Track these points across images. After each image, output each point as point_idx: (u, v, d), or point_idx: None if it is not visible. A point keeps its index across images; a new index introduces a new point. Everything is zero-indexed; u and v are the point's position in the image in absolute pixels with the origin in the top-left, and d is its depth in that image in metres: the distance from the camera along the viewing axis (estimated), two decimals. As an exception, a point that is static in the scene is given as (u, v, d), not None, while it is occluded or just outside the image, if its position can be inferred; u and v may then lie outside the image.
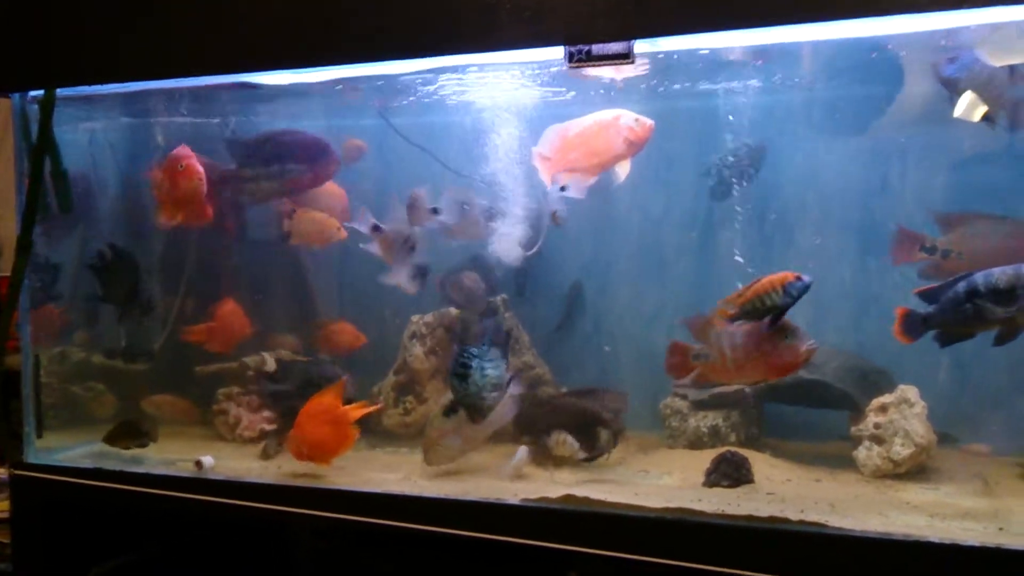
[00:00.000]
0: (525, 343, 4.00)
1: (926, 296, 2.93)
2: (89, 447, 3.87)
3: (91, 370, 4.36)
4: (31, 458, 3.71)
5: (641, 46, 2.86)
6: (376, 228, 3.58)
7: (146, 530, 3.82)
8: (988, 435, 3.40)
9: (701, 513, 2.86)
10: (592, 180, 3.43)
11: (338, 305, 4.44)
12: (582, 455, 3.48)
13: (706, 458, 3.31)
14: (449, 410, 3.43)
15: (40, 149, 3.61)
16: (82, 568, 3.72)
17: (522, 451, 3.44)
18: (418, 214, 3.67)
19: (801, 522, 2.74)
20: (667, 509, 2.88)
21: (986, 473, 3.20)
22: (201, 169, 3.68)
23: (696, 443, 3.65)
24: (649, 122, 3.34)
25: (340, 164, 3.91)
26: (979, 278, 2.81)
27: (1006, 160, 3.39)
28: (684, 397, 3.73)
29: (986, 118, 3.03)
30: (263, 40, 3.08)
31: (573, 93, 3.65)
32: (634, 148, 3.36)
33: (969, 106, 3.03)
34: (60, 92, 3.57)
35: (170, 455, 3.75)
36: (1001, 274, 2.78)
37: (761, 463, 3.35)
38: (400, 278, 3.62)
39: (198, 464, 3.52)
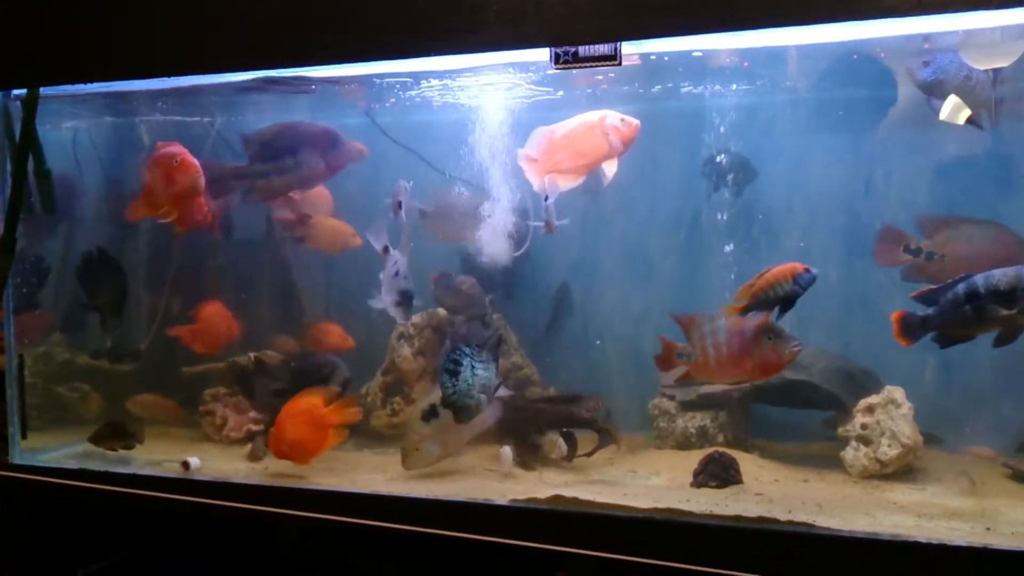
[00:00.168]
0: (513, 344, 4.00)
1: (924, 298, 2.94)
2: (74, 448, 3.85)
3: (76, 370, 4.33)
4: (15, 459, 3.68)
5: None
6: (387, 249, 3.52)
7: (132, 531, 3.80)
8: (973, 435, 3.42)
9: (689, 513, 2.87)
10: (579, 181, 3.43)
11: (325, 306, 4.43)
12: (563, 451, 3.52)
13: (694, 459, 3.31)
14: (428, 415, 3.42)
15: (23, 148, 3.58)
16: (68, 569, 3.70)
17: (507, 451, 3.45)
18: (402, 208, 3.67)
19: (789, 522, 2.75)
20: (655, 509, 2.89)
21: (973, 473, 3.21)
22: (197, 163, 3.61)
23: (684, 444, 3.66)
24: (635, 122, 3.34)
25: (358, 153, 3.83)
26: (979, 280, 2.82)
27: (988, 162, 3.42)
28: (672, 398, 3.74)
29: (971, 121, 3.05)
30: (251, 40, 3.06)
31: (561, 93, 3.66)
32: (621, 148, 3.36)
33: (954, 109, 3.04)
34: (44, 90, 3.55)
35: (156, 456, 3.73)
36: (1002, 276, 2.79)
37: (749, 464, 3.36)
38: (387, 301, 3.58)
39: (185, 465, 3.50)
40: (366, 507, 3.08)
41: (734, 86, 3.67)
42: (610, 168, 3.38)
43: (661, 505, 2.91)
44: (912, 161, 3.59)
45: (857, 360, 3.57)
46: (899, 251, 3.30)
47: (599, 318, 4.11)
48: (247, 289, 4.37)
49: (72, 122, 4.34)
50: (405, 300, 3.51)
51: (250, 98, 4.03)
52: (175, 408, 4.24)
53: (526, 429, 3.59)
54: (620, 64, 2.78)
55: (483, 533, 2.90)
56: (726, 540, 2.75)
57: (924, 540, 2.57)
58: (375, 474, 3.47)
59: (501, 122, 3.61)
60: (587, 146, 3.38)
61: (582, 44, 2.76)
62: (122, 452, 3.75)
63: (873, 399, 3.36)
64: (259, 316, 4.35)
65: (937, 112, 3.10)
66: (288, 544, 3.70)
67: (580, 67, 2.81)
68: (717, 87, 3.69)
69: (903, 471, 3.27)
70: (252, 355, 4.04)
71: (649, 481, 3.33)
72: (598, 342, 4.10)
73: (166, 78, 3.31)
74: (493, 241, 3.66)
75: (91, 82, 3.42)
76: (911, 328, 2.95)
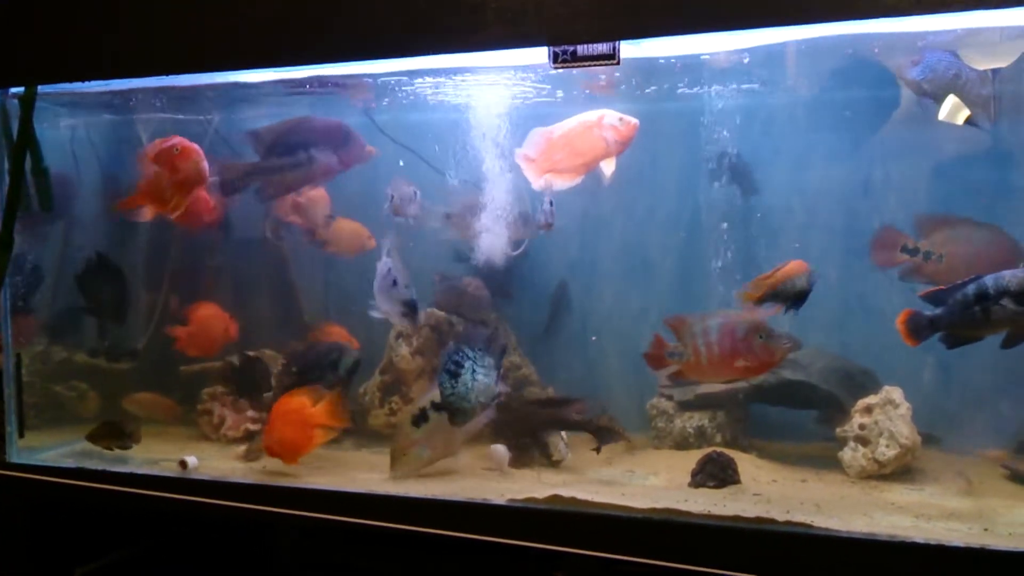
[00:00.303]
0: (512, 343, 3.99)
1: (932, 298, 2.94)
2: (72, 447, 3.84)
3: (74, 369, 4.33)
4: (13, 458, 3.67)
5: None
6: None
7: (130, 530, 3.80)
8: (975, 436, 3.42)
9: (687, 514, 2.86)
10: (577, 180, 3.43)
11: (324, 305, 4.43)
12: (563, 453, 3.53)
13: (692, 459, 3.31)
14: (419, 419, 3.41)
15: (21, 146, 3.58)
16: (65, 568, 3.70)
17: (500, 448, 3.46)
18: (402, 205, 3.66)
19: (787, 523, 2.75)
20: (654, 510, 2.89)
21: (971, 474, 3.21)
22: (197, 147, 3.55)
23: (682, 444, 3.66)
24: (633, 121, 3.33)
25: (369, 150, 3.79)
26: (989, 280, 2.81)
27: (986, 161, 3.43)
28: (670, 398, 3.74)
29: (970, 121, 3.05)
30: (251, 39, 3.06)
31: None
32: (619, 147, 3.35)
33: (953, 109, 3.04)
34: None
35: (154, 455, 3.73)
36: (1012, 277, 2.79)
37: (747, 464, 3.36)
38: (386, 310, 3.57)
39: (182, 464, 3.50)
40: (364, 506, 3.08)
41: (735, 85, 3.67)
42: (608, 167, 3.38)
43: (659, 505, 2.91)
44: (913, 161, 3.59)
45: (857, 360, 3.57)
46: (896, 251, 3.30)
47: (598, 317, 4.11)
48: (246, 289, 4.36)
49: (70, 120, 4.34)
50: (411, 310, 3.51)
51: (250, 98, 4.03)
52: (173, 407, 4.24)
53: (518, 430, 3.58)
54: (619, 64, 2.77)
55: (481, 533, 2.91)
56: (724, 540, 2.74)
57: (922, 541, 2.57)
58: (373, 473, 3.46)
59: (512, 122, 3.61)
60: (585, 145, 3.38)
61: (581, 43, 2.76)
62: (119, 451, 3.75)
63: (871, 399, 3.36)
64: (258, 316, 4.34)
65: (926, 111, 3.10)
66: (286, 543, 3.70)
67: (579, 67, 2.80)
68: (720, 87, 3.69)
69: (901, 471, 3.27)
70: (243, 354, 4.04)
71: (647, 481, 3.33)
72: (594, 338, 4.09)
73: (166, 77, 3.31)
74: (512, 241, 3.68)
75: (89, 80, 3.42)
76: (919, 328, 2.93)
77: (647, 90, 3.66)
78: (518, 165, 3.49)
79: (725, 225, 3.79)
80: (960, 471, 3.25)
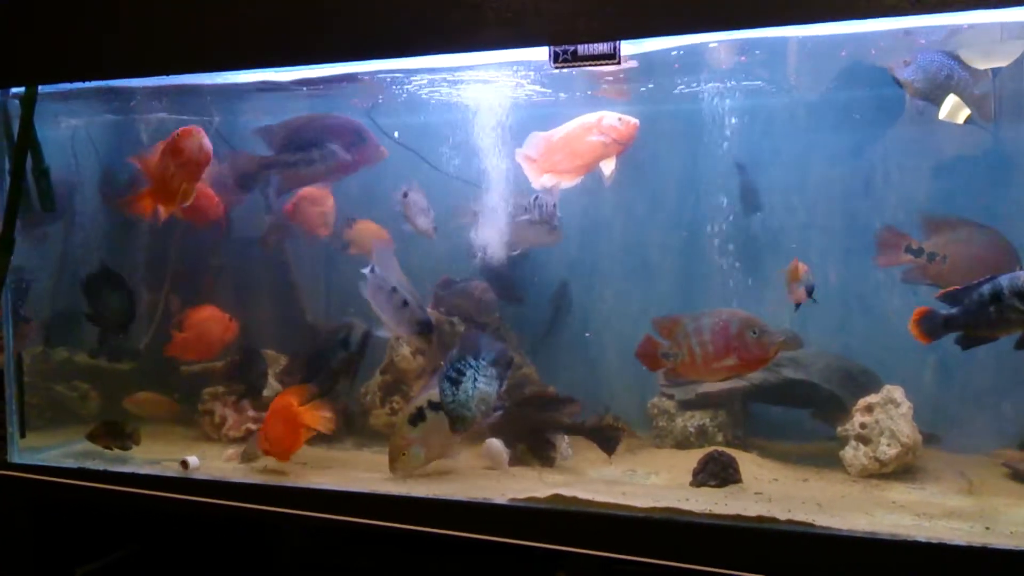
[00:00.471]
0: (513, 342, 3.99)
1: (949, 298, 2.93)
2: (73, 447, 3.84)
3: (75, 369, 4.32)
4: (14, 458, 3.67)
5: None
6: (372, 269, 3.49)
7: (131, 530, 3.80)
8: (973, 434, 3.42)
9: (689, 513, 2.86)
10: (576, 180, 3.43)
11: (324, 305, 4.43)
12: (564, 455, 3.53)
13: (693, 458, 3.31)
14: (416, 418, 3.40)
15: (22, 146, 3.58)
16: (66, 568, 3.69)
17: (496, 443, 3.47)
18: (411, 210, 3.66)
19: (789, 522, 2.75)
20: (655, 509, 2.89)
21: (972, 473, 3.21)
22: (198, 127, 3.47)
23: (683, 443, 3.66)
24: (633, 121, 3.34)
25: (382, 150, 3.79)
26: (1004, 280, 2.80)
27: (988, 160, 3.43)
28: (671, 397, 3.73)
29: (971, 120, 3.04)
30: (250, 38, 3.06)
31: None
32: (618, 148, 3.35)
33: (953, 109, 3.04)
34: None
35: (155, 455, 3.73)
36: None
37: (748, 463, 3.36)
38: (398, 332, 3.55)
39: (184, 464, 3.50)
40: (366, 506, 3.07)
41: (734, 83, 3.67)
42: (608, 167, 3.38)
43: (660, 504, 2.91)
44: (912, 161, 3.59)
45: (857, 359, 3.57)
46: (900, 251, 3.30)
47: (599, 317, 4.10)
48: (247, 289, 4.36)
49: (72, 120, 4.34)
50: (426, 330, 3.48)
51: (250, 96, 4.03)
52: (174, 406, 4.23)
53: (514, 431, 3.58)
54: (619, 63, 2.78)
55: (483, 532, 2.90)
56: (725, 539, 2.75)
57: (923, 539, 2.57)
58: (374, 473, 3.46)
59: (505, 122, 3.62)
60: (584, 146, 3.38)
61: (581, 43, 2.76)
62: (119, 452, 3.75)
63: (872, 398, 3.36)
64: (259, 316, 4.34)
65: (919, 111, 3.10)
66: (288, 543, 3.70)
67: (579, 66, 2.80)
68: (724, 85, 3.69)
69: (902, 470, 3.27)
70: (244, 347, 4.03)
71: (648, 480, 3.33)
72: (588, 334, 4.09)
73: (166, 76, 3.31)
74: (538, 240, 3.69)
75: (89, 80, 3.42)
76: (934, 327, 2.92)
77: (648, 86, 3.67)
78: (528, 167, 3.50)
79: (726, 226, 3.80)
80: (961, 470, 3.25)
